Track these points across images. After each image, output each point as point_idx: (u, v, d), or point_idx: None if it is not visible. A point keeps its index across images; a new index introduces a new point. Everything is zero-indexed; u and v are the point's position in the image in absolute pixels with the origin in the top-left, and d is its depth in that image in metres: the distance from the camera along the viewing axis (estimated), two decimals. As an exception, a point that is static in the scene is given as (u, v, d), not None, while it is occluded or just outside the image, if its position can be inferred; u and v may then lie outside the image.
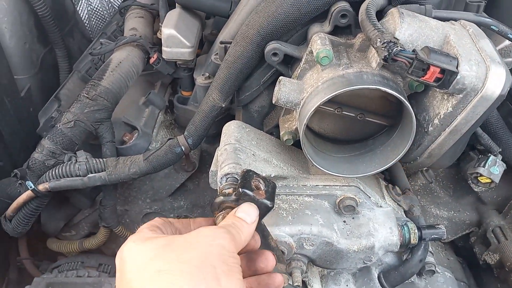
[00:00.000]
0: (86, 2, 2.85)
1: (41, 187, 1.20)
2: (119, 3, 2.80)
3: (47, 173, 1.21)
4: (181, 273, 0.52)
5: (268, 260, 0.69)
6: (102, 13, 2.88)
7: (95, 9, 2.87)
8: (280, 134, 1.11)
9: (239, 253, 0.60)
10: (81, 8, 2.80)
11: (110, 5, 2.88)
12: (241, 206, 0.67)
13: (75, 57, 2.14)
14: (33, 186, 1.19)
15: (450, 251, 1.43)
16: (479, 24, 1.03)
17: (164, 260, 0.54)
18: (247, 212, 0.66)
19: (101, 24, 2.86)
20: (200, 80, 1.38)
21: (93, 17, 2.87)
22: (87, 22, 2.81)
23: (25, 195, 1.21)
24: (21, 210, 1.25)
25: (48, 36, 1.96)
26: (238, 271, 0.57)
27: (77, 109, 1.23)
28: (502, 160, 1.13)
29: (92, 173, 1.19)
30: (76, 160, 1.20)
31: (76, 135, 1.22)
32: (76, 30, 2.38)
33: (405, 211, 1.18)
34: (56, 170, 1.20)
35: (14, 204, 1.23)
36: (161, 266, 0.53)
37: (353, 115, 1.05)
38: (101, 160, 1.22)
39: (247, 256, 0.69)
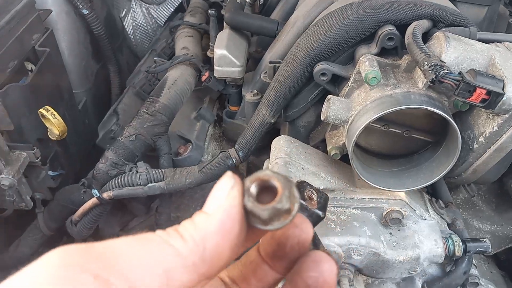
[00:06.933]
0: (131, 18, 2.98)
1: (105, 195, 1.30)
2: (162, 19, 2.94)
3: (111, 182, 1.32)
4: None
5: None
6: (146, 28, 3.01)
7: (139, 25, 3.00)
8: (328, 149, 1.16)
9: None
10: (127, 24, 2.94)
11: (153, 20, 3.00)
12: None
13: (124, 71, 2.28)
14: (98, 194, 1.29)
15: (493, 264, 1.44)
16: (522, 45, 1.06)
17: None
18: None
19: (145, 38, 2.99)
20: (248, 96, 1.46)
21: (137, 32, 3.01)
22: (132, 37, 2.96)
23: (91, 201, 1.32)
24: (86, 215, 1.36)
25: (102, 53, 2.10)
26: None
27: (138, 124, 1.34)
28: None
29: (151, 182, 1.29)
30: (137, 171, 1.30)
31: (137, 148, 1.33)
32: (124, 46, 2.53)
33: (448, 224, 1.21)
34: (119, 180, 1.31)
35: (81, 210, 1.34)
36: None
37: (400, 131, 1.10)
38: (159, 170, 1.32)
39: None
